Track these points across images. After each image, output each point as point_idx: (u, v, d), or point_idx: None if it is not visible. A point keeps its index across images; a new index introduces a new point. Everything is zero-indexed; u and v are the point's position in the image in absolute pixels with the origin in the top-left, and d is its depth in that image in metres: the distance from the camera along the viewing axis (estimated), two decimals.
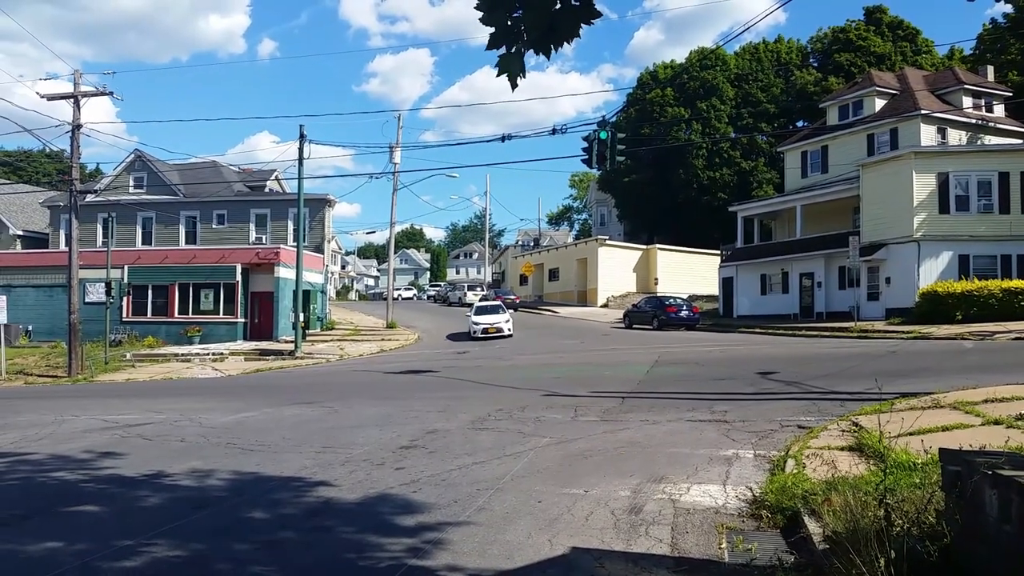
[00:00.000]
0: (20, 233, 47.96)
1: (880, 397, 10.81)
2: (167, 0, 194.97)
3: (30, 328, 37.75)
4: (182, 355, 31.49)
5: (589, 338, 32.25)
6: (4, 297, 29.65)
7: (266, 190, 48.46)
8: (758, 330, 33.12)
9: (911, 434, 7.54)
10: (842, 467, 6.94)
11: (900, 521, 4.88)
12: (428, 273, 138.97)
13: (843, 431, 9.63)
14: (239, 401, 17.19)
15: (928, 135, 36.05)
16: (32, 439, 12.58)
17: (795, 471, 7.52)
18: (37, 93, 28.34)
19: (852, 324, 30.03)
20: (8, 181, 59.38)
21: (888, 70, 48.79)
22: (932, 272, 31.52)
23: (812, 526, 5.86)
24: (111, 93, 28.50)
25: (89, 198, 38.90)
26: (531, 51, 3.70)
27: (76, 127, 27.66)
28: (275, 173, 49.57)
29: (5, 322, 28.89)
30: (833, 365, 18.18)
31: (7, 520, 7.41)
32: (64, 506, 7.96)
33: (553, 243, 79.99)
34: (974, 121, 37.61)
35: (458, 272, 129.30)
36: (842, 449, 8.52)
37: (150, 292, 37.41)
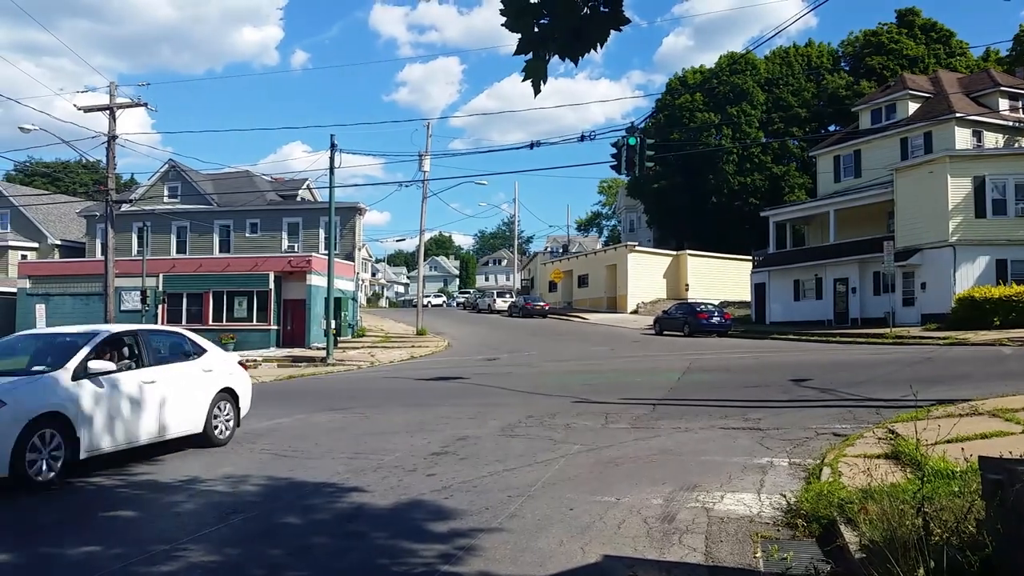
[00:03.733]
0: (58, 242, 48.98)
1: (916, 404, 10.64)
2: (201, 13, 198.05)
3: None
4: None
5: (619, 345, 32.11)
6: (43, 305, 30.30)
7: (298, 199, 49.04)
8: (791, 336, 32.76)
9: (949, 442, 7.42)
10: (878, 475, 6.83)
11: (939, 530, 4.80)
12: (457, 280, 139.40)
13: (879, 439, 9.49)
14: (272, 407, 17.31)
15: (963, 138, 35.49)
16: None
17: (831, 479, 7.43)
18: (74, 105, 28.91)
19: (887, 330, 29.61)
20: (46, 192, 60.66)
21: (921, 73, 48.13)
22: (968, 277, 31.00)
23: (848, 535, 5.78)
24: (146, 104, 28.99)
25: (125, 208, 39.60)
26: (557, 58, 3.70)
27: (112, 138, 28.16)
28: (307, 182, 50.14)
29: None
30: (868, 372, 17.93)
31: (45, 525, 7.54)
32: (100, 511, 8.07)
33: (582, 249, 79.86)
34: (1010, 123, 36.99)
35: (487, 279, 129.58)
36: (878, 457, 8.39)
37: (185, 300, 37.97)
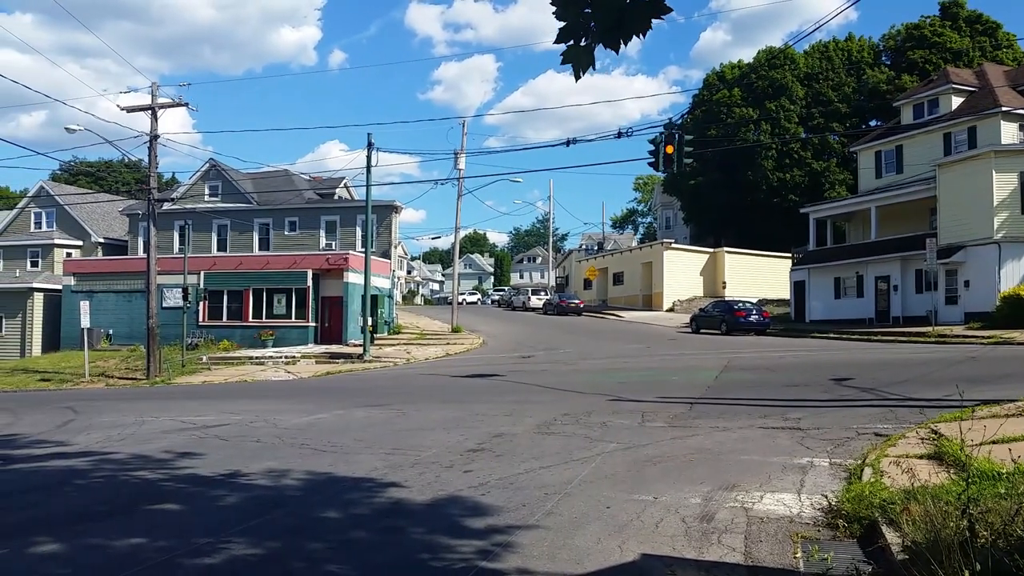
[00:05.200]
0: (101, 240, 49.98)
1: (960, 404, 10.44)
2: (241, 14, 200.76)
3: (110, 332, 39.27)
4: (256, 358, 32.32)
5: (655, 343, 31.94)
6: (87, 302, 30.91)
7: (335, 197, 49.50)
8: (832, 335, 32.30)
9: (994, 442, 7.26)
10: (921, 476, 6.72)
11: (985, 533, 4.72)
12: (492, 278, 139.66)
13: (922, 439, 9.33)
14: (311, 403, 17.57)
15: (1009, 133, 34.67)
16: (115, 439, 13.09)
17: (872, 480, 7.32)
18: (117, 106, 29.59)
19: (929, 329, 29.07)
20: (90, 190, 61.93)
21: (965, 66, 47.05)
22: (1014, 275, 30.32)
23: (890, 536, 5.70)
24: (187, 104, 29.47)
25: (166, 206, 40.31)
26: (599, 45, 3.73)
27: (154, 138, 28.67)
28: (344, 181, 50.59)
29: (87, 326, 30.13)
30: (910, 371, 17.64)
31: (94, 516, 7.73)
32: (146, 504, 8.25)
33: (617, 247, 79.53)
34: None
35: (521, 276, 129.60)
36: (921, 457, 8.26)
37: (225, 297, 38.52)
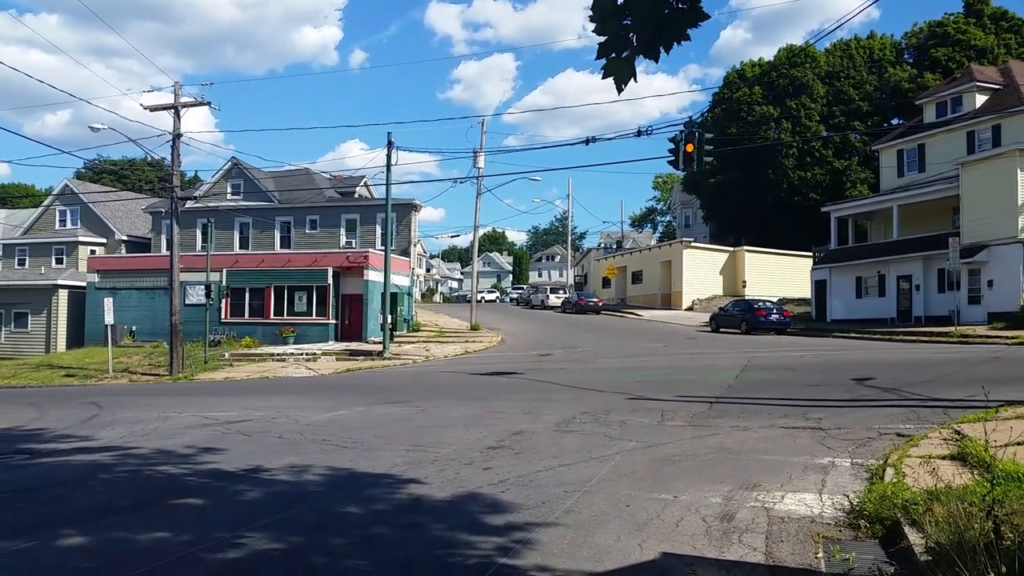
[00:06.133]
0: (124, 238, 50.47)
1: (985, 405, 10.35)
2: (263, 14, 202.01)
3: (134, 328, 39.70)
4: (277, 355, 32.56)
5: (674, 342, 31.83)
6: (110, 299, 31.28)
7: (355, 196, 49.67)
8: (853, 335, 32.04)
9: (1020, 444, 7.21)
10: (944, 477, 6.68)
11: (1010, 534, 4.68)
12: (510, 276, 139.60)
13: (944, 440, 9.25)
14: (332, 400, 17.68)
15: None
16: (138, 434, 13.25)
17: (894, 480, 7.27)
18: (141, 105, 29.85)
19: (952, 329, 28.76)
20: (114, 188, 62.56)
21: (990, 64, 46.46)
22: None
23: (913, 537, 5.66)
24: (209, 103, 29.73)
25: (189, 204, 40.63)
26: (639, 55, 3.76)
27: (176, 136, 28.93)
28: (364, 179, 50.76)
29: (111, 323, 30.48)
30: (932, 371, 17.47)
31: (118, 510, 7.83)
32: (169, 498, 8.35)
33: (636, 245, 79.28)
34: None
35: (540, 275, 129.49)
36: (944, 458, 8.19)
37: (247, 294, 38.82)
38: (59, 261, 49.02)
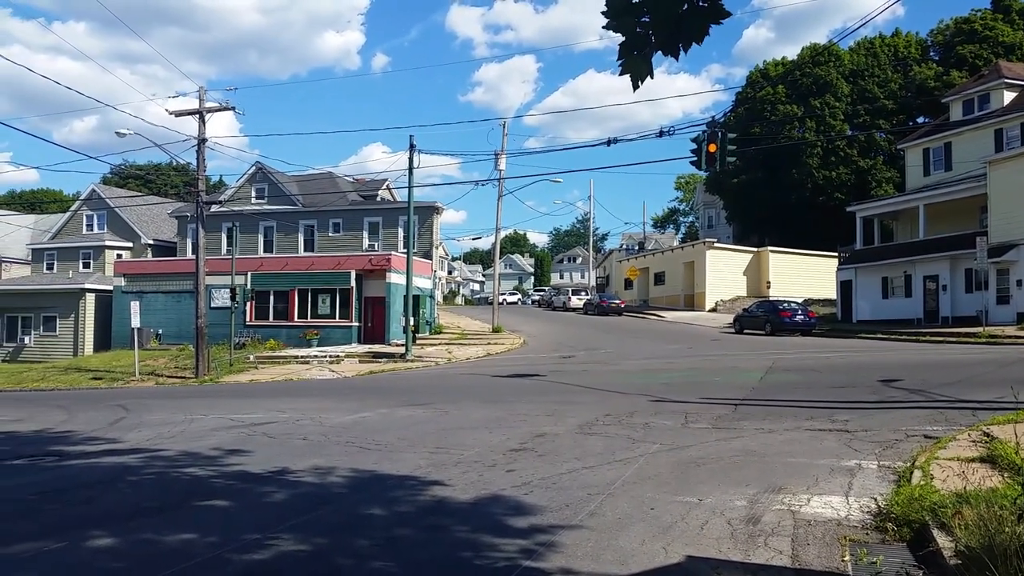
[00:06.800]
0: (150, 242, 51.07)
1: (1015, 406, 10.19)
2: (286, 19, 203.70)
3: (160, 332, 40.14)
4: (301, 357, 32.77)
5: (697, 343, 31.65)
6: (137, 303, 31.65)
7: (378, 199, 49.95)
8: (879, 335, 31.69)
9: None
10: (973, 479, 6.58)
11: None
12: (532, 278, 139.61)
13: (973, 442, 9.13)
14: (355, 402, 17.77)
15: None
16: (165, 436, 13.39)
17: (922, 483, 7.18)
18: (166, 110, 30.13)
19: (980, 329, 28.37)
20: (139, 193, 63.30)
21: (1019, 61, 45.80)
22: None
23: (942, 540, 5.58)
24: (233, 108, 29.99)
25: (214, 208, 40.99)
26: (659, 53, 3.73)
27: (201, 141, 29.21)
28: (386, 182, 51.04)
29: (138, 326, 30.85)
30: (960, 372, 17.24)
31: (146, 512, 7.91)
32: (196, 500, 8.42)
33: (658, 246, 78.97)
34: None
35: (562, 276, 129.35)
36: (973, 460, 8.07)
37: (272, 297, 39.13)
38: (86, 265, 49.70)
